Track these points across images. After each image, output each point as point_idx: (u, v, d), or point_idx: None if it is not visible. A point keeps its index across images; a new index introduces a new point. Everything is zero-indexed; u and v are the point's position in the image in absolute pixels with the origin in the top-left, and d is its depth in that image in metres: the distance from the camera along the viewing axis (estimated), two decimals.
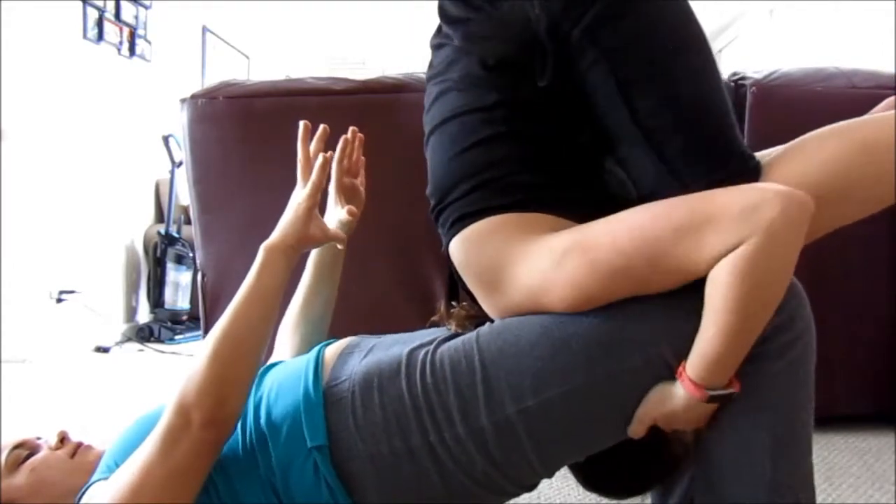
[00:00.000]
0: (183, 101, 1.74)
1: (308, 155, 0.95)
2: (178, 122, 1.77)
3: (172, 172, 3.63)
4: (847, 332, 1.73)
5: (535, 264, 0.82)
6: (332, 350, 0.93)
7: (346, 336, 0.99)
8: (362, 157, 1.11)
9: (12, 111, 2.85)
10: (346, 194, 1.07)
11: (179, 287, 3.60)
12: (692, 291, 0.76)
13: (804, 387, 0.81)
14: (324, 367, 0.89)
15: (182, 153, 1.91)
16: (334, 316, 1.18)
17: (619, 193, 0.88)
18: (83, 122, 3.29)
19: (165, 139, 3.62)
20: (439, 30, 0.96)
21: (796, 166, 0.82)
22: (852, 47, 4.18)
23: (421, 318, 1.04)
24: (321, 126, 0.98)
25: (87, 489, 0.81)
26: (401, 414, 0.81)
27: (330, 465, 0.80)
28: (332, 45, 6.77)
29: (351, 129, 1.07)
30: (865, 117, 0.86)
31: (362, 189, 1.11)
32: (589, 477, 0.94)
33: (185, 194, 2.85)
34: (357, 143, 1.09)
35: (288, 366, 0.93)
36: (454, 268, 0.95)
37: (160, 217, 3.93)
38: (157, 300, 3.63)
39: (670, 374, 0.79)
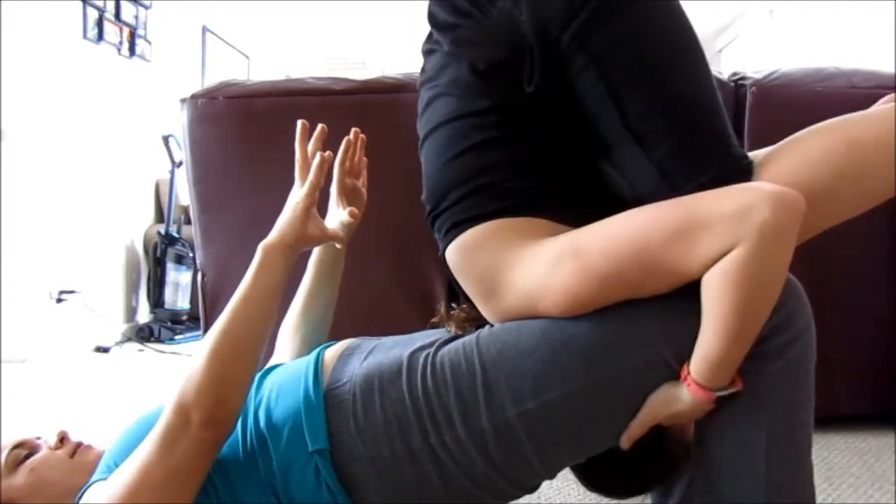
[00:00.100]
0: (183, 101, 1.74)
1: (306, 154, 0.95)
2: (178, 122, 1.77)
3: (172, 172, 3.63)
4: (847, 332, 1.73)
5: (530, 270, 0.82)
6: (332, 352, 0.93)
7: (346, 336, 0.99)
8: (364, 159, 1.11)
9: (12, 111, 2.85)
10: (348, 195, 1.07)
11: (179, 287, 3.60)
12: (690, 291, 0.76)
13: (804, 386, 0.81)
14: (323, 370, 0.89)
15: (182, 153, 1.91)
16: (334, 316, 1.18)
17: (616, 193, 0.88)
18: (83, 123, 3.29)
19: (165, 139, 3.62)
20: (430, 35, 0.96)
21: (787, 165, 0.82)
22: (852, 47, 4.19)
23: (421, 318, 1.04)
24: (319, 125, 0.98)
25: (86, 489, 0.81)
26: (402, 416, 0.81)
27: (331, 468, 0.80)
28: (332, 45, 6.77)
29: (353, 129, 1.07)
30: (856, 113, 0.85)
31: (364, 190, 1.10)
32: (589, 477, 0.94)
33: (185, 194, 2.85)
34: (359, 143, 1.09)
35: (288, 368, 0.92)
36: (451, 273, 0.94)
37: (160, 217, 3.93)
38: (157, 300, 3.63)
39: (670, 374, 0.79)
